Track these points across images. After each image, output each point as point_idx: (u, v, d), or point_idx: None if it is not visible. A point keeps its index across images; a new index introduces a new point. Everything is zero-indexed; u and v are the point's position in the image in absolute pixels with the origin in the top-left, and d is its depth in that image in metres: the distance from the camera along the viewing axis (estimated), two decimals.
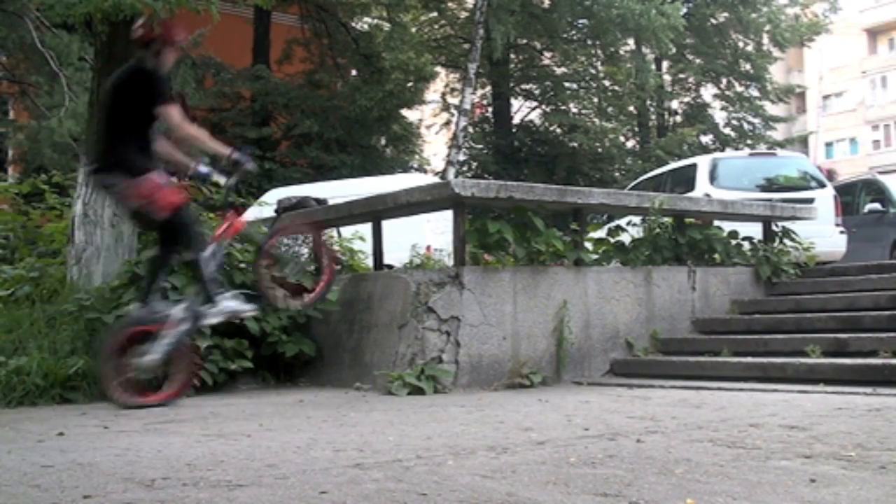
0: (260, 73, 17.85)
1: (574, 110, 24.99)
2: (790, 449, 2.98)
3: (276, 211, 7.43)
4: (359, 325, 6.06)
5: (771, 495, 2.30)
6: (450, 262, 6.64)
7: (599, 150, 23.56)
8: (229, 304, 4.84)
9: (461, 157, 18.26)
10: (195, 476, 2.64)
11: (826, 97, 43.95)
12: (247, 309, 4.96)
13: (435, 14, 24.31)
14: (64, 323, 5.53)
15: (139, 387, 4.73)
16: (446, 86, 25.79)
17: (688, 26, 22.12)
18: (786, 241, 7.69)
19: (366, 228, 7.02)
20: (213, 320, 4.86)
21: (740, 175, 10.14)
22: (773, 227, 7.72)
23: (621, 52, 23.52)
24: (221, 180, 4.88)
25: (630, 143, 26.34)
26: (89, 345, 5.41)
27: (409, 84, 19.28)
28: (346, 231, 7.61)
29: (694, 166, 10.50)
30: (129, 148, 4.60)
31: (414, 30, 22.10)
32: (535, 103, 25.53)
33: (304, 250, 7.88)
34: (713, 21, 24.33)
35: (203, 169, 4.88)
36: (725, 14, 24.21)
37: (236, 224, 5.01)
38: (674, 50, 22.61)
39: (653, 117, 26.30)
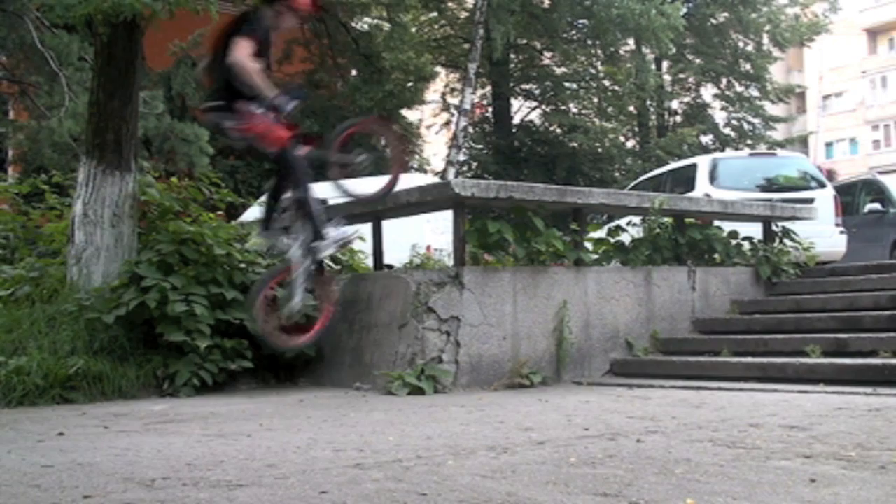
0: None
1: (574, 110, 24.98)
2: (790, 449, 2.98)
3: None
4: (359, 325, 6.06)
5: (771, 495, 2.30)
6: (450, 262, 6.64)
7: (599, 150, 23.56)
8: (336, 233, 5.09)
9: (461, 157, 18.25)
10: (195, 476, 2.64)
11: (826, 97, 43.94)
12: (351, 231, 5.19)
13: (435, 14, 24.29)
14: (64, 323, 5.53)
15: (295, 328, 5.05)
16: (446, 86, 25.78)
17: (688, 26, 22.10)
18: (786, 241, 7.69)
19: (366, 228, 7.01)
20: (329, 252, 5.10)
21: (740, 175, 10.13)
22: (773, 227, 7.72)
23: (621, 52, 23.52)
24: None
25: (630, 143, 26.33)
26: (89, 345, 5.42)
27: (409, 84, 19.25)
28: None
29: (694, 166, 10.49)
30: (237, 88, 4.77)
31: (414, 30, 22.07)
32: (535, 103, 25.53)
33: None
34: (713, 21, 24.33)
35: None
36: (725, 14, 24.21)
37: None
38: (674, 50, 22.56)
39: (653, 117, 26.30)
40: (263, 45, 4.83)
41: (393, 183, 5.47)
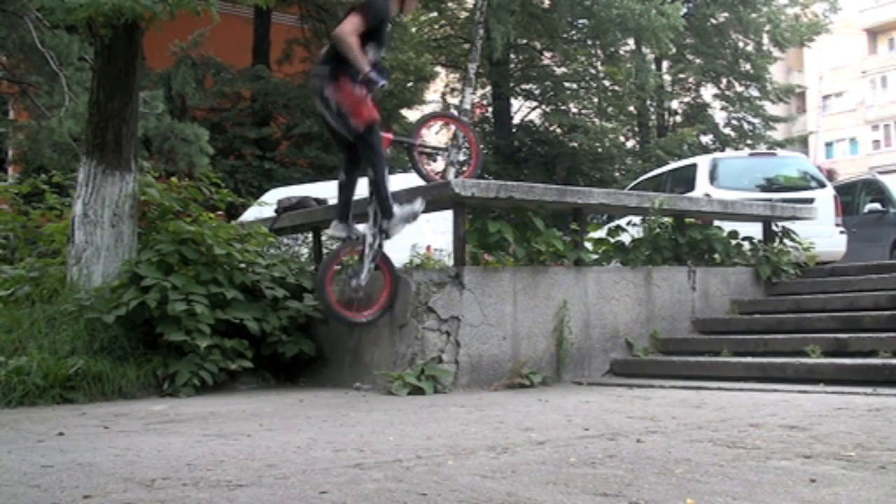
0: (260, 73, 17.82)
1: (574, 110, 24.99)
2: (790, 449, 2.98)
3: (276, 211, 7.42)
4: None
5: (771, 495, 2.30)
6: (450, 262, 6.64)
7: (599, 150, 23.56)
8: (403, 211, 5.39)
9: (461, 158, 18.22)
10: (195, 476, 2.65)
11: (826, 97, 43.97)
12: (417, 205, 5.47)
13: (435, 14, 24.29)
14: (64, 323, 5.52)
15: (355, 305, 5.40)
16: (446, 86, 25.79)
17: (688, 26, 22.12)
18: (786, 241, 7.69)
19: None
20: (399, 229, 5.43)
21: (740, 175, 10.14)
22: (773, 227, 7.71)
23: (621, 52, 23.52)
24: None
25: (630, 143, 26.35)
26: (89, 345, 5.42)
27: (409, 84, 19.24)
28: None
29: (694, 166, 10.50)
30: (342, 61, 5.12)
31: (414, 30, 22.08)
32: (535, 103, 25.54)
33: (304, 251, 7.88)
34: (713, 21, 24.34)
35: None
36: (725, 14, 24.22)
37: (386, 137, 5.60)
38: (674, 50, 22.59)
39: (653, 117, 26.32)
40: (378, 28, 5.19)
41: (478, 159, 6.69)
